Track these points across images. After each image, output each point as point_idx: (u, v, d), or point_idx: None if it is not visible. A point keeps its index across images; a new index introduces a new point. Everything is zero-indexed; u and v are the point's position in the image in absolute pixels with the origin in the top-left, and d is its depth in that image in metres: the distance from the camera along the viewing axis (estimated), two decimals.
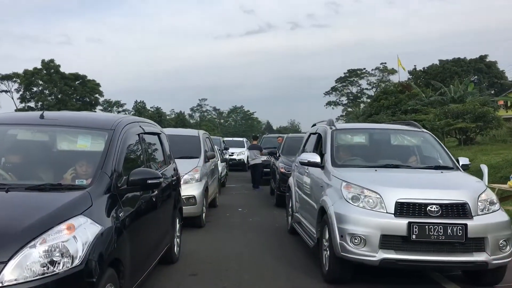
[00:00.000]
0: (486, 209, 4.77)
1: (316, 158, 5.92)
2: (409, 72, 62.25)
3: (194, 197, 8.02)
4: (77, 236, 2.84)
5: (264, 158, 16.36)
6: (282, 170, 11.07)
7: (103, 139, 3.89)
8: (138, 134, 4.59)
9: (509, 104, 38.58)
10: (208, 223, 8.81)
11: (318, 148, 6.84)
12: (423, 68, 63.62)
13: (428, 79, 57.46)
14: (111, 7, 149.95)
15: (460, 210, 4.64)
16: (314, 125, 8.25)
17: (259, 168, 15.79)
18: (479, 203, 4.74)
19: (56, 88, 66.07)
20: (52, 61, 65.97)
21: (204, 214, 8.53)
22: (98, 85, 69.31)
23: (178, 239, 5.98)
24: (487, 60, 62.06)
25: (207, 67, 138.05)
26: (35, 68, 65.48)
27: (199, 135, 9.57)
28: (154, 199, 4.51)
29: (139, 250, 3.93)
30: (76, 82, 67.88)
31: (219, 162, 14.19)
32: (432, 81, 48.06)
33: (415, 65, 63.99)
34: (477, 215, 4.67)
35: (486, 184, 6.07)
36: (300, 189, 7.19)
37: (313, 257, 6.08)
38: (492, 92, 50.46)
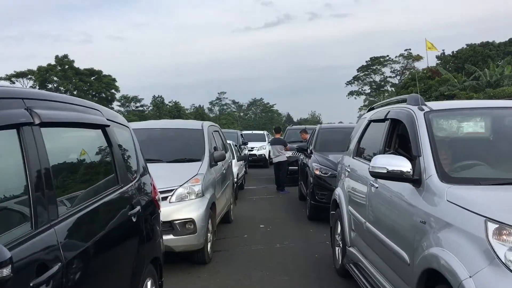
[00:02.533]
0: None
1: (405, 166, 3.12)
2: (437, 57, 59.02)
3: (192, 221, 5.32)
4: None
5: (289, 154, 13.59)
6: (317, 172, 8.28)
7: None
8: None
9: None
10: (216, 257, 6.10)
11: (393, 145, 4.05)
12: (452, 52, 60.24)
13: (458, 63, 54.86)
14: (129, 3, 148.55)
15: None
16: (372, 108, 5.44)
17: (284, 166, 13.02)
18: None
19: (71, 84, 64.93)
20: (66, 56, 64.71)
21: (210, 244, 5.83)
22: (114, 80, 67.78)
23: None
24: None
25: (226, 61, 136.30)
26: (49, 65, 64.38)
27: (203, 129, 6.84)
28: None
29: None
30: (92, 78, 66.61)
31: (234, 161, 11.47)
32: (465, 65, 45.22)
33: (443, 50, 60.42)
34: None
35: None
36: (359, 211, 4.42)
37: None
38: None
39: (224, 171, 7.34)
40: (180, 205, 5.34)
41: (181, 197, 5.42)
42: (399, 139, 4.06)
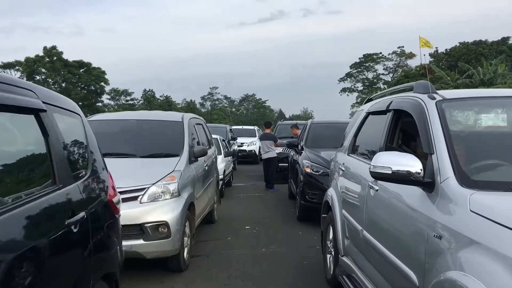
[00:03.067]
0: None
1: (415, 166, 2.53)
2: (430, 55, 58.91)
3: (166, 224, 4.70)
4: None
5: (279, 150, 13.02)
6: (308, 170, 7.70)
7: None
8: None
9: None
10: (194, 263, 5.49)
11: (396, 141, 3.47)
12: (446, 50, 60.20)
13: (451, 61, 55.20)
14: None
15: None
16: (370, 99, 4.86)
17: (273, 163, 12.43)
18: None
19: (60, 76, 63.88)
20: (54, 48, 63.58)
21: (187, 249, 5.22)
22: (104, 72, 66.79)
23: None
24: (510, 42, 58.21)
25: (219, 56, 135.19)
26: (37, 56, 63.18)
27: (183, 121, 6.20)
28: None
29: None
30: (81, 70, 65.57)
31: (220, 157, 10.87)
32: (459, 63, 45.42)
33: (436, 47, 60.22)
34: None
35: None
36: (355, 216, 3.83)
37: None
38: None
39: (206, 168, 6.73)
40: (153, 206, 4.73)
41: (154, 197, 4.80)
42: (402, 134, 3.48)
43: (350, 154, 4.42)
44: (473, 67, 38.02)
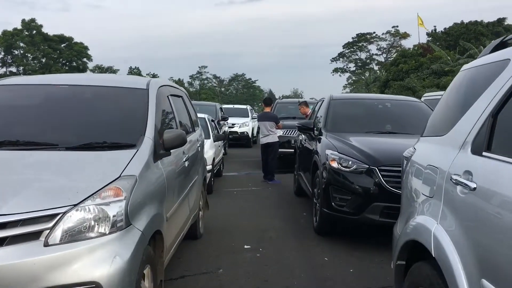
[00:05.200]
0: None
1: None
2: (428, 34, 56.89)
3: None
4: None
5: (280, 133, 10.71)
6: (335, 164, 5.35)
7: None
8: None
9: None
10: None
11: None
12: (444, 29, 58.20)
13: (450, 41, 53.76)
14: None
15: None
16: (501, 46, 2.48)
17: (274, 149, 10.09)
18: None
19: (39, 51, 60.53)
20: (33, 20, 60.15)
21: None
22: (86, 48, 63.51)
23: None
24: (506, 23, 56.30)
25: (208, 35, 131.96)
26: (15, 29, 59.65)
27: (148, 89, 3.77)
28: None
29: None
30: (62, 45, 62.22)
31: (209, 142, 8.53)
32: (460, 42, 43.92)
33: (434, 26, 58.00)
34: None
35: None
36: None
37: None
38: None
39: (187, 163, 4.33)
40: (72, 252, 2.35)
41: (75, 233, 2.42)
42: None
43: (487, 154, 2.04)
44: (474, 46, 36.33)
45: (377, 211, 4.95)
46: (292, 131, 11.56)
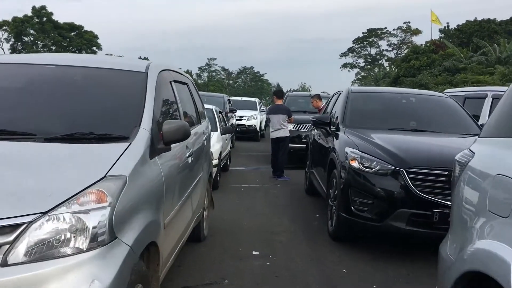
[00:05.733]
0: None
1: None
2: (440, 31, 56.05)
3: None
4: None
5: (291, 127, 10.17)
6: (355, 163, 4.80)
7: None
8: None
9: None
10: None
11: None
12: (457, 25, 57.28)
13: (463, 38, 53.09)
14: None
15: None
16: None
17: (285, 144, 9.55)
18: None
19: (49, 39, 60.32)
20: (43, 8, 59.90)
21: None
22: (96, 37, 63.26)
23: None
24: None
25: (216, 28, 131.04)
26: (25, 16, 59.41)
27: (147, 73, 3.22)
28: None
29: None
30: (72, 34, 61.96)
31: (216, 135, 8.03)
32: (473, 39, 43.32)
33: (448, 23, 56.98)
34: None
35: None
36: None
37: None
38: None
39: (190, 159, 3.80)
40: (37, 275, 1.83)
41: (43, 249, 1.90)
42: None
43: None
44: (488, 44, 35.71)
45: (403, 218, 4.40)
46: (303, 125, 11.01)
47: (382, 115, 6.06)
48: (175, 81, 3.93)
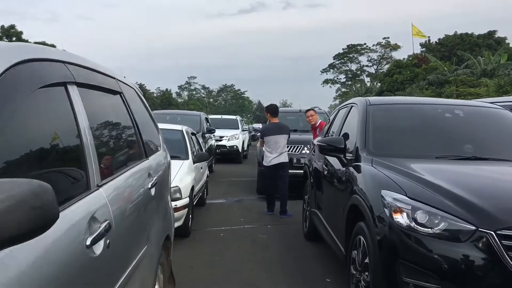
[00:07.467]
0: None
1: None
2: (421, 45, 56.14)
3: None
4: None
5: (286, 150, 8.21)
6: (402, 218, 2.90)
7: None
8: None
9: None
10: None
11: None
12: (438, 39, 57.41)
13: (444, 51, 53.74)
14: None
15: None
16: None
17: (286, 171, 7.65)
18: None
19: None
20: (13, 27, 57.87)
21: None
22: None
23: None
24: (496, 36, 55.18)
25: (197, 47, 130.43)
26: None
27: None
28: None
29: None
30: None
31: (188, 163, 6.13)
32: (458, 52, 43.57)
33: (429, 37, 56.79)
34: None
35: None
36: None
37: None
38: None
39: (108, 245, 1.86)
40: None
41: None
42: None
43: None
44: (472, 57, 35.48)
45: None
46: (297, 147, 9.18)
47: (420, 136, 4.19)
48: (81, 85, 2.00)
